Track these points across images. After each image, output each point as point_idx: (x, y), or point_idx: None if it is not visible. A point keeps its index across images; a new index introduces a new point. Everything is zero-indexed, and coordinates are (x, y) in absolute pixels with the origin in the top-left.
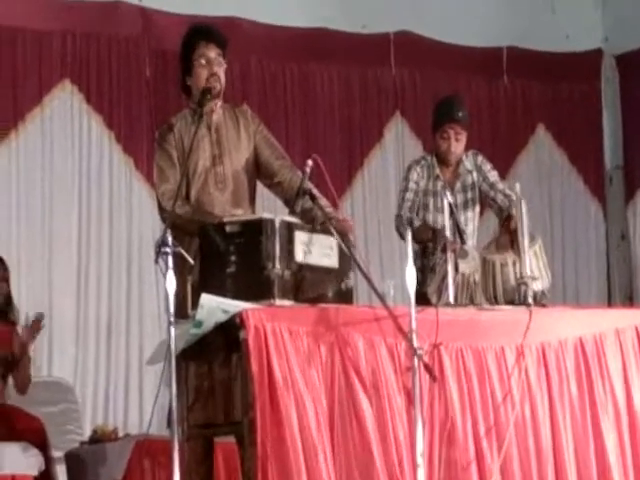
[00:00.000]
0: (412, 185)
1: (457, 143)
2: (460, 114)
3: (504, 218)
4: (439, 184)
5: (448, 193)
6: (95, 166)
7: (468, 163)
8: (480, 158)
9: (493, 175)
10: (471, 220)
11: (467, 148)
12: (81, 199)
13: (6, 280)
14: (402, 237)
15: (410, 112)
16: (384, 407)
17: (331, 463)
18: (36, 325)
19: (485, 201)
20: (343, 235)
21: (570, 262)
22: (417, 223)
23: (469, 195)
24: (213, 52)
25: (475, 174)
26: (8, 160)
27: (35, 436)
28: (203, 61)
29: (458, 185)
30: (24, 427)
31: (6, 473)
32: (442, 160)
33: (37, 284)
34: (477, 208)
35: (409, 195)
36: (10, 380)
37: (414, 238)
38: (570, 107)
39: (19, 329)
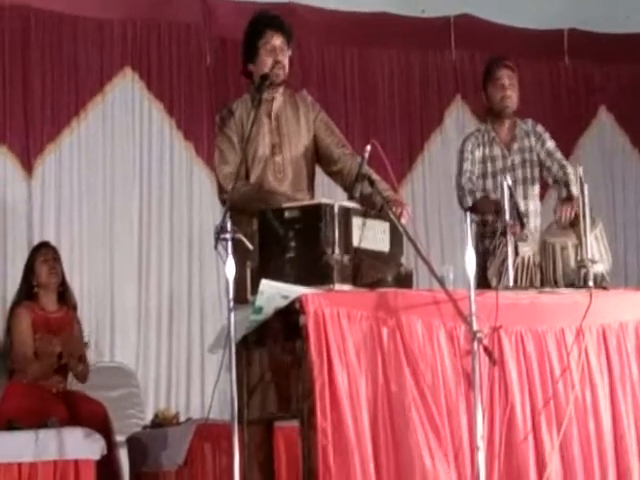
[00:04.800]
0: (468, 155)
1: (511, 89)
2: (509, 62)
3: (564, 199)
4: (496, 148)
5: (508, 177)
6: (156, 153)
7: (525, 126)
8: (539, 126)
9: (551, 144)
10: (532, 198)
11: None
12: (142, 186)
13: (59, 263)
14: (463, 208)
15: (470, 95)
16: (444, 390)
17: (391, 447)
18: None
19: (542, 174)
20: (399, 219)
21: (632, 244)
22: (479, 195)
23: (527, 164)
24: (279, 40)
25: (533, 139)
26: (70, 148)
27: (98, 421)
28: (269, 49)
29: (515, 146)
30: (87, 412)
31: (69, 458)
32: (498, 115)
33: (99, 270)
34: (538, 185)
35: (466, 165)
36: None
37: (476, 210)
38: (632, 88)
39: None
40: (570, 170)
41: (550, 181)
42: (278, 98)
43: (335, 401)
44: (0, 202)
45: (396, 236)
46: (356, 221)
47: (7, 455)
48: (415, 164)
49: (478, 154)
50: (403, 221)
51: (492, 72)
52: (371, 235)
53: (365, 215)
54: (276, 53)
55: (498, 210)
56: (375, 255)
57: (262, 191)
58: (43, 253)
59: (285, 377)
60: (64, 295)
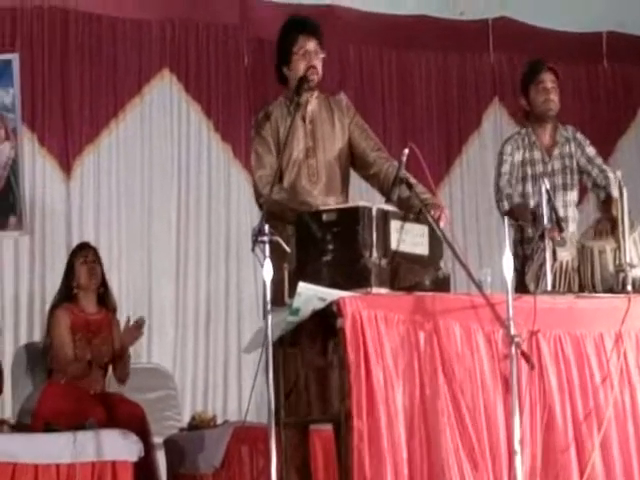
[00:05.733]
0: (507, 158)
1: (554, 92)
2: (552, 66)
3: (603, 202)
4: (536, 152)
5: (546, 180)
6: (194, 154)
7: (566, 133)
8: (579, 133)
9: (591, 150)
10: (571, 204)
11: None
12: (180, 187)
13: (99, 264)
14: (501, 212)
15: (509, 98)
16: (481, 394)
17: (425, 452)
18: (136, 330)
19: (582, 180)
20: (438, 222)
21: None
22: (516, 200)
23: (567, 170)
24: (312, 44)
25: (573, 146)
26: (108, 149)
27: (136, 423)
28: (303, 53)
29: (556, 152)
30: (125, 414)
31: (106, 459)
32: (539, 117)
33: (137, 270)
34: (576, 191)
35: (505, 168)
36: (110, 369)
37: (513, 216)
38: None
39: (121, 323)
40: (611, 175)
41: (590, 185)
42: (313, 101)
43: (371, 404)
44: (39, 203)
45: (435, 239)
46: (394, 224)
47: (45, 456)
48: (453, 167)
49: (518, 157)
50: (441, 224)
51: (535, 75)
52: (409, 238)
53: (404, 218)
54: (310, 57)
55: (535, 218)
56: (413, 258)
57: (295, 201)
58: (83, 254)
59: (321, 379)
60: (104, 297)
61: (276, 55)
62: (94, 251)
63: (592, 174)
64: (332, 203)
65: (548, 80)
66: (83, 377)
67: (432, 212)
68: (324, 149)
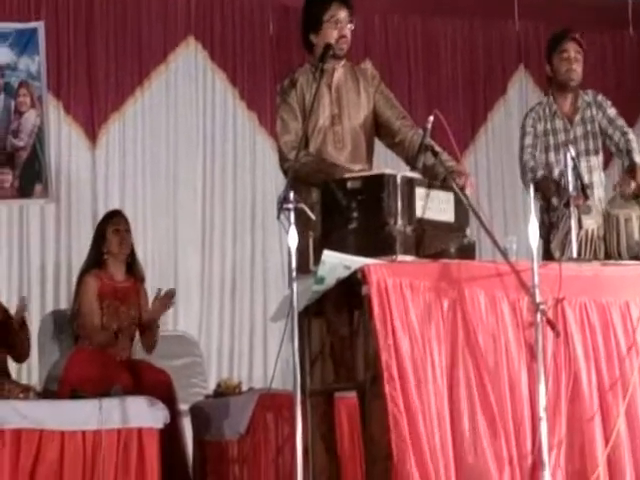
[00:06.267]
0: (529, 129)
1: (577, 63)
2: (577, 35)
3: (627, 169)
4: (557, 121)
5: (570, 147)
6: (219, 122)
7: (587, 97)
8: (600, 96)
9: (612, 111)
10: (596, 169)
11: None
12: (205, 155)
13: (129, 233)
14: (526, 186)
15: (534, 66)
16: (505, 362)
17: (451, 419)
18: (167, 299)
19: (605, 144)
20: (463, 189)
21: None
22: (540, 173)
23: (590, 135)
24: (344, 13)
25: (594, 109)
26: (134, 117)
27: (162, 390)
28: (334, 22)
29: (577, 118)
30: (151, 381)
31: (132, 426)
32: (562, 87)
33: (163, 239)
34: (601, 156)
35: (528, 140)
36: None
37: (537, 190)
38: None
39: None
40: (632, 137)
41: (613, 149)
42: (339, 70)
43: (401, 370)
44: (65, 171)
45: (461, 207)
46: (420, 192)
47: (71, 423)
48: (478, 134)
49: (540, 128)
50: (468, 192)
51: (559, 44)
52: (435, 205)
53: (429, 186)
54: (341, 26)
55: (558, 190)
56: (439, 226)
57: (323, 163)
58: (115, 222)
59: (346, 347)
60: (132, 266)
61: (303, 21)
62: (125, 220)
63: (614, 137)
64: (357, 170)
65: (572, 50)
66: (109, 346)
67: (457, 179)
68: (349, 117)
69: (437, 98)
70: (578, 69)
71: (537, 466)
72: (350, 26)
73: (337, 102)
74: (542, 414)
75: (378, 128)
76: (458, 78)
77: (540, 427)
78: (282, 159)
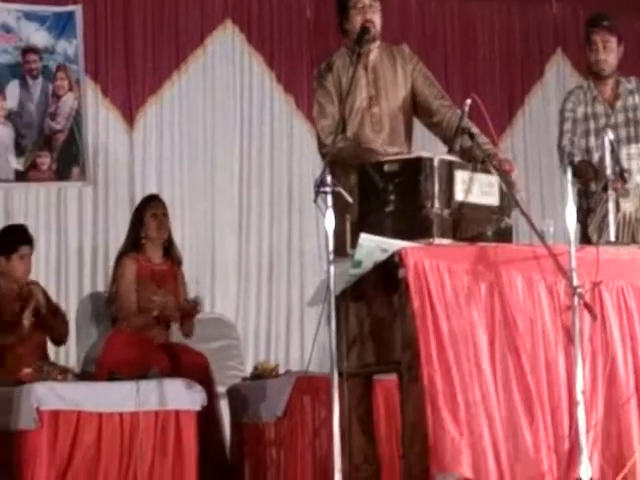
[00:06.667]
0: (568, 114)
1: (605, 51)
2: (605, 22)
3: None
4: (598, 106)
5: (609, 131)
6: (256, 105)
7: (630, 85)
8: None
9: None
10: (635, 157)
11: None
12: (242, 138)
13: (167, 218)
14: (564, 171)
15: (572, 49)
16: (543, 346)
17: (494, 398)
18: (192, 308)
19: None
20: (502, 173)
21: None
22: (578, 158)
23: (631, 123)
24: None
25: (637, 97)
26: (171, 101)
27: (199, 372)
28: (359, 7)
29: (619, 104)
30: (189, 363)
31: (169, 408)
32: (597, 75)
33: (200, 222)
34: None
35: (567, 125)
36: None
37: (575, 175)
38: None
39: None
40: None
41: None
42: (374, 51)
43: (440, 352)
44: (102, 154)
45: (505, 190)
46: (460, 175)
47: (109, 405)
48: (515, 118)
49: (580, 112)
50: (513, 176)
51: (588, 34)
52: (477, 188)
53: (472, 169)
54: (365, 11)
55: (597, 175)
56: (480, 209)
57: (359, 148)
58: (153, 207)
59: (384, 330)
60: (169, 250)
61: (336, 9)
62: (163, 204)
63: None
64: (396, 153)
65: (599, 40)
66: (147, 329)
67: (503, 164)
68: (387, 98)
69: (474, 82)
70: (608, 58)
71: (574, 450)
72: (377, 6)
73: (374, 83)
74: (579, 398)
75: (416, 107)
76: (495, 62)
77: (577, 411)
78: (320, 144)
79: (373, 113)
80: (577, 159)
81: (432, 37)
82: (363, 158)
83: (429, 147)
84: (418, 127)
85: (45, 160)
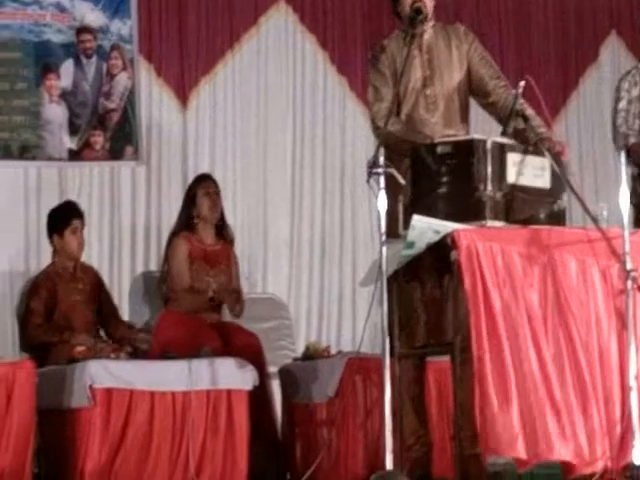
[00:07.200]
0: (623, 94)
1: None
2: None
3: None
4: None
5: None
6: (309, 86)
7: None
8: None
9: None
10: None
11: None
12: (295, 119)
13: (220, 197)
14: (618, 151)
15: (627, 31)
16: (595, 330)
17: (547, 381)
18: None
19: None
20: (555, 156)
21: None
22: (632, 140)
23: None
24: None
25: None
26: (224, 81)
27: (251, 352)
28: None
29: None
30: (241, 343)
31: (221, 388)
32: None
33: (252, 203)
34: None
35: (622, 105)
36: None
37: (630, 156)
38: None
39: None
40: None
41: None
42: (429, 31)
43: (493, 333)
44: (155, 134)
45: (557, 173)
46: (513, 157)
47: (161, 384)
48: (569, 100)
49: (635, 92)
50: (564, 158)
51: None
52: (529, 171)
53: (524, 151)
54: None
55: None
56: (532, 191)
57: (411, 132)
58: (205, 186)
59: (436, 311)
60: (222, 230)
61: None
62: (216, 183)
63: None
64: (451, 134)
65: None
66: (199, 308)
67: (554, 146)
68: (442, 78)
69: (528, 63)
70: None
71: (627, 435)
72: None
73: (428, 63)
74: (632, 383)
75: (471, 86)
76: (549, 43)
77: (630, 396)
78: (374, 127)
79: (427, 94)
80: (632, 140)
81: (486, 18)
82: (414, 141)
83: (484, 128)
84: (474, 107)
85: (99, 139)
